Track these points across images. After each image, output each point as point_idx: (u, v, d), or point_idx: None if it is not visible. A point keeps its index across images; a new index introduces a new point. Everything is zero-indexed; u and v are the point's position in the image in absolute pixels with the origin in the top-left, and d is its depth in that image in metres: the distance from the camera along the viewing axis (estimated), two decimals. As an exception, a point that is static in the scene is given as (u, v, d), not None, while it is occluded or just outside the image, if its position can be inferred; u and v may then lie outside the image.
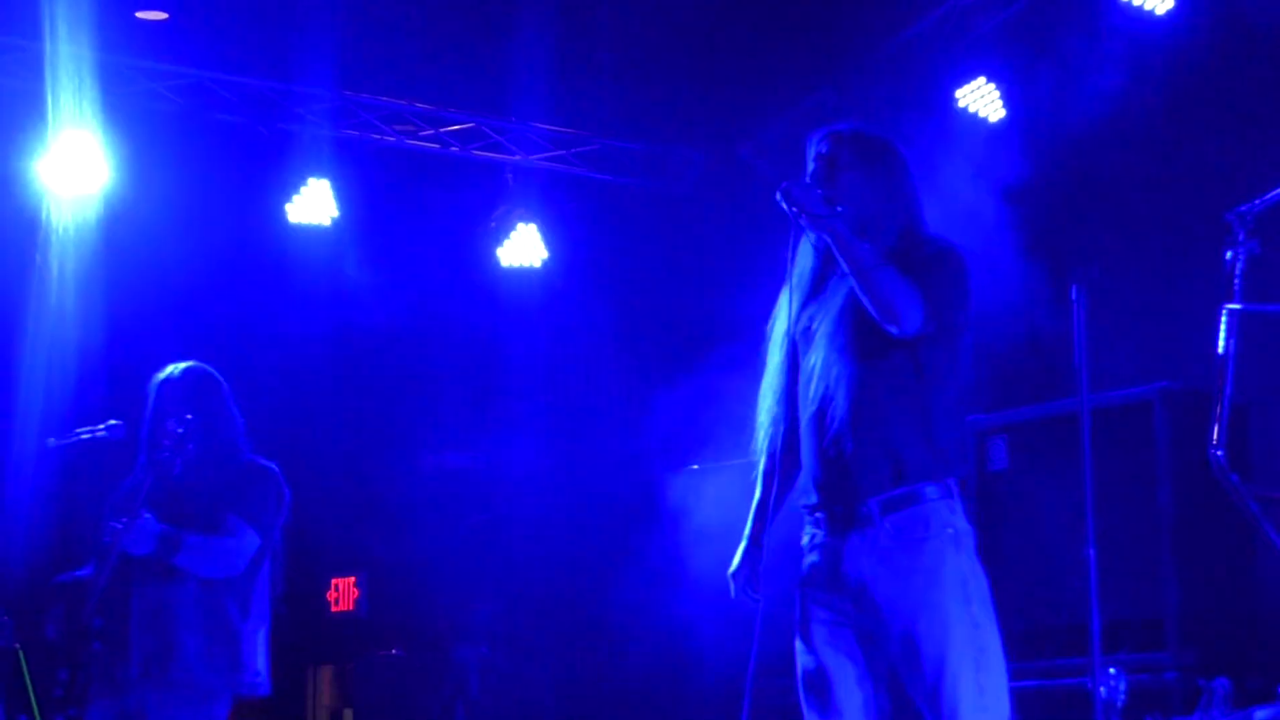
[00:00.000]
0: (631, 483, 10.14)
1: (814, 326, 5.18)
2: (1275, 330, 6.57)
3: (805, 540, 5.21)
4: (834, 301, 5.12)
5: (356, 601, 12.93)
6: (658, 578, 9.81)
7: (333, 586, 12.97)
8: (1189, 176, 8.45)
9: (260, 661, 6.79)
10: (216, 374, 6.97)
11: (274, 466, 6.94)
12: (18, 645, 8.13)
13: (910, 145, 9.57)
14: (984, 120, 9.79)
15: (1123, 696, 7.42)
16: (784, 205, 5.07)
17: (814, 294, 5.26)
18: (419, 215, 11.26)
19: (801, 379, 5.19)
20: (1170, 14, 8.87)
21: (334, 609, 12.96)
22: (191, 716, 6.61)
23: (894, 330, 4.92)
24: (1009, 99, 9.71)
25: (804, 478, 5.21)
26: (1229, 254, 6.14)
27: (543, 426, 11.29)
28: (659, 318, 10.70)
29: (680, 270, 11.06)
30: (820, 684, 5.08)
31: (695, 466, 10.29)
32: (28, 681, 8.10)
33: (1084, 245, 8.65)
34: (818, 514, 5.13)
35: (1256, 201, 6.12)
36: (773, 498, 5.40)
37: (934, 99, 9.89)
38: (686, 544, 9.71)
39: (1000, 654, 4.96)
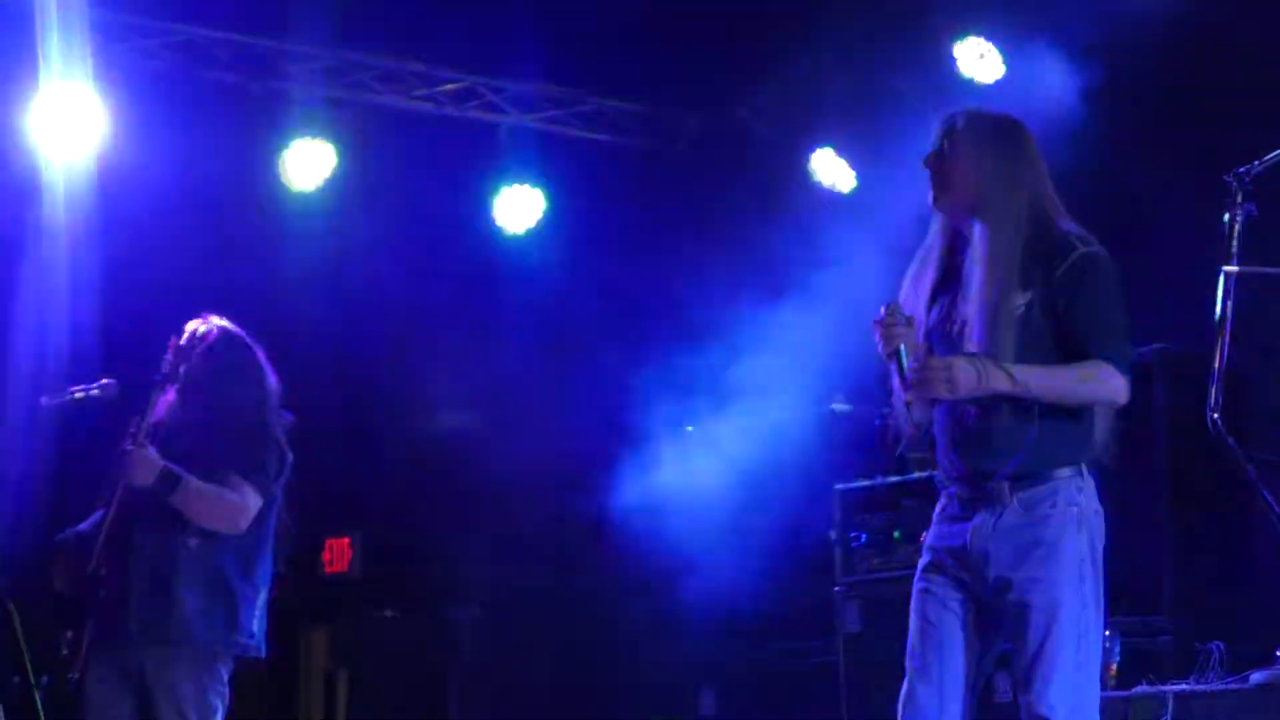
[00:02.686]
0: (625, 443, 10.18)
1: (950, 325, 5.24)
2: (1273, 293, 6.60)
3: (936, 513, 5.30)
4: (973, 313, 5.15)
5: (350, 563, 12.94)
6: (652, 538, 9.87)
7: (327, 548, 12.98)
8: (1186, 137, 8.47)
9: (257, 625, 6.81)
10: (240, 333, 6.98)
11: (277, 428, 6.95)
12: (10, 605, 8.16)
13: (906, 105, 9.65)
14: (981, 80, 9.80)
15: (1117, 659, 7.47)
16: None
17: (946, 279, 5.32)
18: (414, 174, 11.24)
19: None
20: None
21: (328, 570, 12.97)
22: (192, 675, 6.63)
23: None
24: (1007, 59, 9.73)
25: (940, 456, 5.29)
26: (1226, 216, 6.16)
27: (537, 386, 11.32)
28: (654, 277, 10.72)
29: (676, 230, 11.08)
30: (926, 648, 5.16)
31: (690, 428, 10.34)
32: (21, 641, 8.13)
33: (1079, 205, 8.67)
34: (950, 489, 5.25)
35: (1255, 163, 6.14)
36: None
37: (931, 59, 9.90)
38: (681, 504, 9.76)
39: (1100, 640, 5.08)
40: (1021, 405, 5.05)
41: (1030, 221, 5.17)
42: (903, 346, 5.14)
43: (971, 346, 5.09)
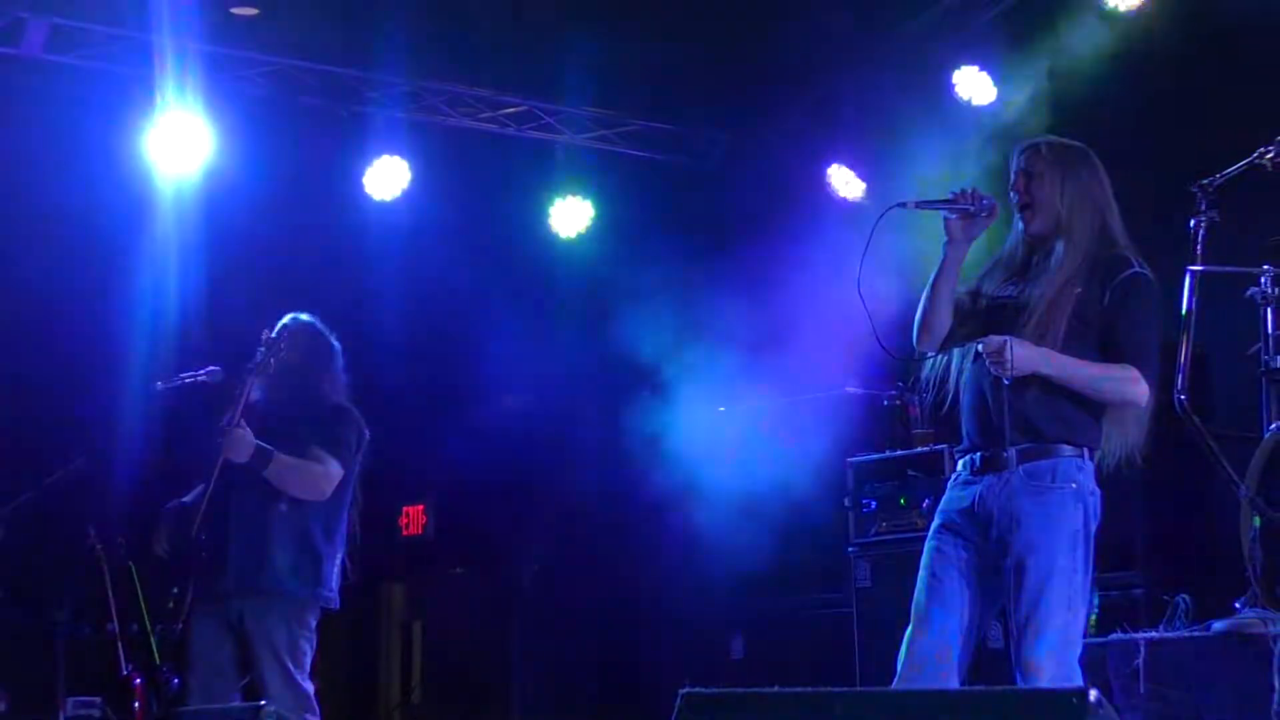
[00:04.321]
0: (664, 421, 10.18)
1: (1010, 304, 5.27)
2: (1231, 288, 6.59)
3: (950, 480, 5.33)
4: (1038, 294, 5.19)
5: (424, 526, 12.96)
6: (689, 506, 9.86)
7: (403, 513, 13.01)
8: (1157, 152, 8.44)
9: (335, 581, 6.86)
10: (324, 329, 7.02)
11: (355, 409, 7.00)
12: (130, 562, 8.22)
13: (911, 126, 9.62)
14: (977, 103, 9.77)
15: (1095, 611, 7.45)
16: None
17: (1020, 274, 5.35)
18: (480, 187, 11.28)
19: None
20: (1140, 9, 8.87)
21: (405, 533, 13.00)
22: (284, 623, 6.68)
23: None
24: (999, 84, 9.70)
25: (963, 425, 5.33)
26: (1192, 221, 6.14)
27: (586, 372, 11.33)
28: (689, 276, 10.72)
29: (708, 234, 11.07)
30: (931, 600, 5.16)
31: (721, 409, 10.33)
32: (140, 594, 8.19)
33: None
34: (965, 456, 5.26)
35: (1217, 175, 6.13)
36: None
37: (933, 85, 9.87)
38: (714, 476, 9.76)
39: (1086, 604, 5.10)
40: (1039, 386, 5.05)
41: (1099, 233, 5.24)
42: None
43: (1030, 325, 5.13)
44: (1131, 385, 5.10)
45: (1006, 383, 5.03)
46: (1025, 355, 5.02)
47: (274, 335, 6.80)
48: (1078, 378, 5.08)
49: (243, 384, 6.73)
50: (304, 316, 6.99)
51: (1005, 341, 5.02)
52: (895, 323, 5.58)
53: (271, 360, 6.76)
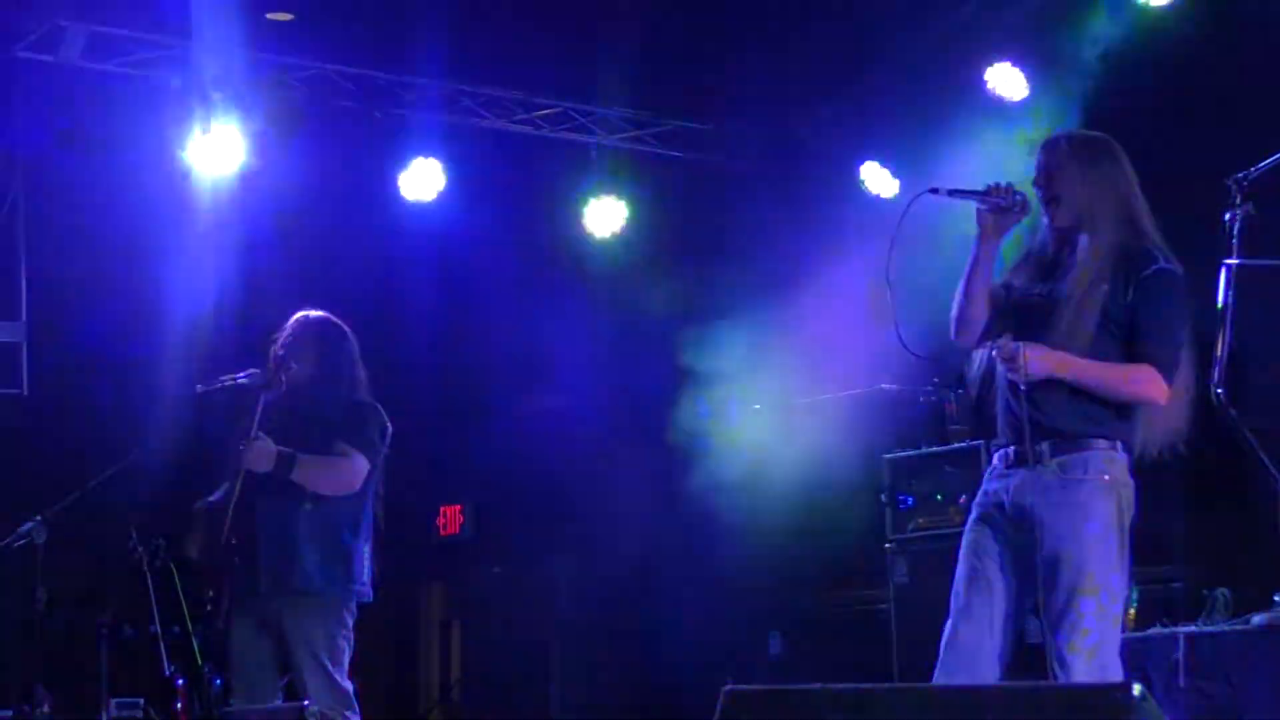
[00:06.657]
0: (701, 420, 10.18)
1: (1040, 301, 5.24)
2: (1268, 283, 6.55)
3: (986, 473, 5.32)
4: (1067, 292, 5.17)
5: (462, 526, 13.00)
6: (727, 503, 9.86)
7: (441, 514, 13.05)
8: (1191, 145, 8.40)
9: (366, 574, 6.88)
10: (338, 323, 7.03)
11: (376, 403, 7.01)
12: (171, 564, 8.24)
13: (943, 122, 9.59)
14: (1011, 100, 9.74)
15: (1135, 605, 7.42)
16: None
17: (1049, 268, 5.32)
18: (515, 187, 11.29)
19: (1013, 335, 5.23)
20: (1173, 2, 8.84)
21: (442, 533, 13.04)
22: (321, 623, 6.69)
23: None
24: (1031, 80, 9.67)
25: (997, 420, 5.31)
26: (1227, 215, 6.11)
27: (622, 371, 11.33)
28: (724, 274, 10.71)
29: (742, 232, 11.06)
30: (970, 591, 5.15)
31: (757, 407, 10.33)
32: (181, 596, 8.20)
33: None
34: (999, 451, 5.26)
35: (1252, 169, 6.09)
36: None
37: (965, 82, 9.84)
38: (751, 474, 9.76)
39: (1122, 593, 5.09)
40: (1070, 399, 5.06)
41: (1127, 224, 5.21)
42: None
43: (1061, 323, 5.10)
44: (1147, 385, 5.08)
45: (1023, 389, 5.03)
46: (1039, 362, 5.02)
47: (282, 353, 6.81)
48: (1093, 381, 5.07)
49: (256, 399, 6.74)
50: (313, 314, 7.01)
51: (1018, 348, 5.01)
52: (929, 317, 5.55)
53: (283, 378, 6.79)
